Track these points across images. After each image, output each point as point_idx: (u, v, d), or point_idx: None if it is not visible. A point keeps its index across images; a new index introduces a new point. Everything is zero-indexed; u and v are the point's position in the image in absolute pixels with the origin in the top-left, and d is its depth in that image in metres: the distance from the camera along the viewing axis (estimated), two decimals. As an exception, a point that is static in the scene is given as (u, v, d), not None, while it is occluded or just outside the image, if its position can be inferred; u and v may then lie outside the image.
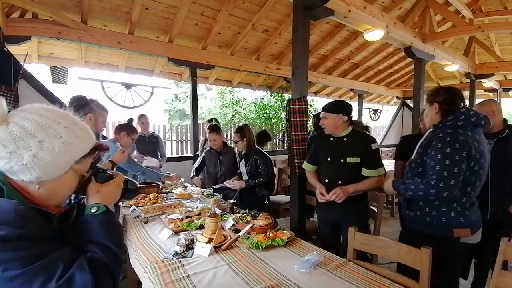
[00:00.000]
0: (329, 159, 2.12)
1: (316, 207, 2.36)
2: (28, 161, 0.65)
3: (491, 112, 2.18)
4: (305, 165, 2.34)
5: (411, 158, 1.73)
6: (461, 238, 1.58)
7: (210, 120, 4.40)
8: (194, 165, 3.59)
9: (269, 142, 8.13)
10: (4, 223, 0.59)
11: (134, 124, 4.42)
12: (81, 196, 0.81)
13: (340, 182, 2.03)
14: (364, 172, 2.03)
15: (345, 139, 2.08)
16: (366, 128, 4.39)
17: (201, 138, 4.69)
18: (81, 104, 1.99)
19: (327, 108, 2.10)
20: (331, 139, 2.14)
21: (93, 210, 0.75)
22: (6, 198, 0.66)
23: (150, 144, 4.28)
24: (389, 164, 3.56)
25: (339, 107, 2.08)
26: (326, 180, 2.12)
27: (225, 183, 3.03)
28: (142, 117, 4.32)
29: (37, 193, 0.69)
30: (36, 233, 0.63)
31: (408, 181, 1.66)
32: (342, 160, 2.04)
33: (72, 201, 0.82)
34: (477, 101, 6.59)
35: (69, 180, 0.74)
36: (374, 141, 2.08)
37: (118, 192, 0.86)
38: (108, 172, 0.87)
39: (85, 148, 0.75)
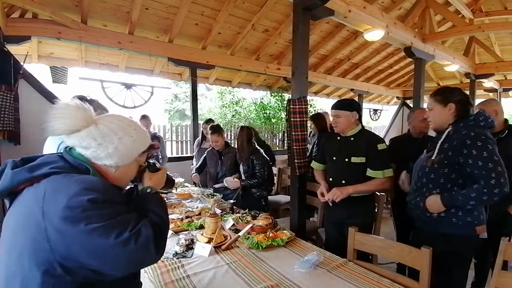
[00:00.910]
0: (334, 158, 2.10)
1: (324, 207, 2.34)
2: (111, 151, 0.90)
3: (494, 112, 2.19)
4: (313, 163, 2.33)
5: (432, 158, 1.64)
6: (480, 235, 1.59)
7: (207, 121, 4.36)
8: (195, 166, 3.57)
9: (269, 142, 8.15)
10: (94, 190, 0.79)
11: None
12: (134, 184, 1.08)
13: (343, 181, 2.01)
14: (369, 172, 1.97)
15: (352, 138, 2.04)
16: None
17: (199, 137, 4.62)
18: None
19: (341, 106, 2.04)
20: (338, 138, 2.11)
21: (148, 191, 1.01)
22: (92, 175, 0.88)
23: None
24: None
25: (353, 105, 2.05)
26: (331, 179, 2.12)
27: (224, 180, 3.03)
28: (143, 118, 4.24)
29: (113, 174, 0.94)
30: (115, 198, 0.85)
31: (463, 191, 1.53)
32: (346, 160, 2.01)
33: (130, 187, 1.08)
34: (477, 101, 6.60)
35: (133, 168, 1.00)
36: (382, 141, 2.02)
37: (163, 181, 1.13)
38: (156, 165, 1.12)
39: (145, 145, 1.01)
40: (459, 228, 1.57)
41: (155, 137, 4.35)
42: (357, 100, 2.21)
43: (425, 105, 5.46)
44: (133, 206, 0.93)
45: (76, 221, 0.74)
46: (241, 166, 3.04)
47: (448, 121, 1.65)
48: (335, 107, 2.08)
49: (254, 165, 2.92)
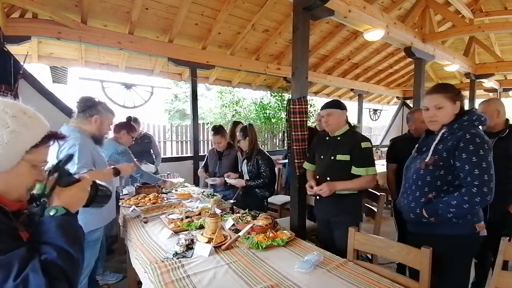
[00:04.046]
0: (322, 157, 2.19)
1: (314, 205, 2.37)
2: None
3: (496, 111, 2.20)
4: (305, 164, 2.42)
5: (426, 160, 1.57)
6: (480, 232, 1.56)
7: (235, 123, 4.14)
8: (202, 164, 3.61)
9: (268, 142, 8.15)
10: None
11: None
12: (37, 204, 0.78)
13: (328, 178, 2.08)
14: (353, 170, 2.04)
15: (339, 138, 2.14)
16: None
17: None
18: (88, 105, 1.99)
19: (332, 105, 2.15)
20: (327, 138, 2.21)
21: (51, 213, 0.74)
22: None
23: (143, 145, 4.16)
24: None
25: (342, 105, 2.16)
26: (317, 177, 2.20)
27: (226, 177, 3.01)
28: (133, 121, 4.16)
29: None
30: None
31: (444, 199, 1.50)
32: (332, 158, 2.10)
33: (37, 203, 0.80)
34: (477, 101, 6.60)
35: (23, 172, 0.73)
36: (367, 140, 2.11)
37: (82, 197, 0.84)
38: (74, 176, 0.85)
39: (36, 137, 0.74)
40: (459, 228, 1.53)
41: (145, 137, 4.31)
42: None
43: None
44: (31, 237, 0.71)
45: None
46: (245, 166, 3.02)
47: (450, 120, 1.57)
48: (327, 106, 2.16)
49: (260, 165, 2.90)
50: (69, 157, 0.85)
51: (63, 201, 0.77)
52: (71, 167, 1.74)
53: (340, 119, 2.12)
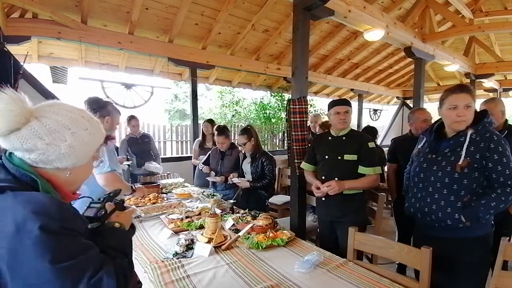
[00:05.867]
0: (326, 157, 2.17)
1: (316, 206, 2.36)
2: (65, 150, 0.74)
3: (501, 112, 2.22)
4: (304, 164, 2.38)
5: (459, 163, 1.52)
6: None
7: (208, 121, 4.30)
8: (201, 160, 3.56)
9: (269, 142, 8.16)
10: (46, 214, 0.64)
11: (125, 126, 4.32)
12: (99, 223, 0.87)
13: (336, 178, 2.07)
14: (361, 169, 2.06)
15: (344, 138, 2.13)
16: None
17: (199, 138, 4.45)
18: (100, 106, 2.02)
19: (348, 102, 2.16)
20: (330, 138, 2.19)
21: (116, 225, 0.87)
22: (41, 190, 0.71)
23: (143, 144, 4.15)
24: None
25: None
26: (323, 177, 2.16)
27: (232, 178, 2.98)
28: (132, 119, 4.14)
29: (66, 179, 0.78)
30: (74, 224, 0.69)
31: (482, 202, 1.48)
32: (339, 158, 2.09)
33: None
34: (478, 101, 6.60)
35: (89, 166, 0.87)
36: (372, 140, 2.13)
37: (130, 222, 0.98)
38: (125, 204, 1.00)
39: (102, 137, 0.87)
40: (485, 228, 1.56)
41: (145, 136, 4.30)
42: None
43: (425, 105, 5.45)
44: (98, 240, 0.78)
45: (22, 258, 0.60)
46: (248, 167, 3.00)
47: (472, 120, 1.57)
48: (345, 103, 2.13)
49: (264, 166, 2.88)
50: (119, 191, 1.03)
51: (121, 221, 0.90)
52: (103, 167, 1.86)
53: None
